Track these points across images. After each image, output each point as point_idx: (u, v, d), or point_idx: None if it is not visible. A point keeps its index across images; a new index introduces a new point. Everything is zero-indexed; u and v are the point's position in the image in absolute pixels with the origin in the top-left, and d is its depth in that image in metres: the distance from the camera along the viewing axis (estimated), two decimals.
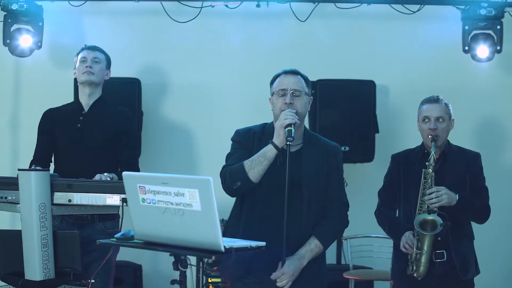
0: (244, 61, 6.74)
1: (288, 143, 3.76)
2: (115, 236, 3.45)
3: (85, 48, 4.96)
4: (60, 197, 3.98)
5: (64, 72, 6.51)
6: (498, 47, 5.97)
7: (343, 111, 6.48)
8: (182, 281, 3.31)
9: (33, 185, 3.87)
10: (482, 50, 6.03)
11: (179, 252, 3.18)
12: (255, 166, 3.83)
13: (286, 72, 4.05)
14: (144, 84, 6.59)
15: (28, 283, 3.88)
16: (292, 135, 3.75)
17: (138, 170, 4.93)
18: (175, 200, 3.08)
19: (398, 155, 4.83)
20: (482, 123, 6.85)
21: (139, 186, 3.19)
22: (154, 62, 6.87)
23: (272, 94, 4.02)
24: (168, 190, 3.09)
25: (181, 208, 3.08)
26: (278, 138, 3.80)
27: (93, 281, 4.07)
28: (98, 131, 4.83)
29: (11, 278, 4.01)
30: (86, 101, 4.90)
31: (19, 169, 3.94)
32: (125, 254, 6.45)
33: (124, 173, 3.29)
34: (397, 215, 4.79)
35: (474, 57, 6.09)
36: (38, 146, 4.96)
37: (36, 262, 3.85)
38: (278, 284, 3.82)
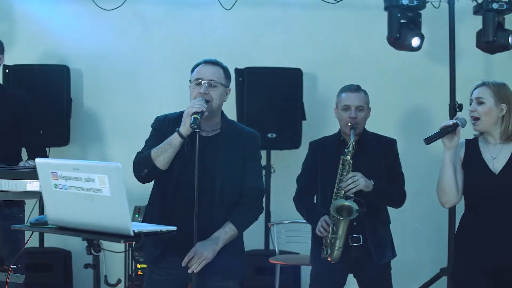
0: (172, 49, 6.78)
1: (197, 130, 3.83)
2: (30, 221, 3.50)
3: None
4: None
5: None
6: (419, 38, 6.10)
7: (270, 98, 6.55)
8: (95, 265, 3.35)
9: None
10: (411, 39, 6.11)
11: (89, 236, 3.25)
12: (161, 153, 3.93)
13: (206, 62, 4.12)
14: (73, 70, 6.59)
15: None
16: (197, 122, 3.81)
17: (44, 153, 4.95)
18: (86, 185, 3.16)
19: (315, 142, 4.93)
20: (408, 112, 6.98)
21: (52, 172, 3.25)
22: (83, 49, 6.85)
23: (190, 82, 4.09)
24: (79, 176, 3.17)
25: (92, 194, 3.15)
26: (184, 125, 3.89)
27: (15, 266, 4.09)
28: None
29: None
30: None
31: None
32: (54, 241, 6.49)
33: (37, 159, 3.35)
34: (315, 201, 4.89)
35: (403, 46, 6.16)
36: None
37: None
38: (190, 266, 3.89)
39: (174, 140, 3.91)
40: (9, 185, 3.99)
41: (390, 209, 4.87)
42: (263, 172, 6.49)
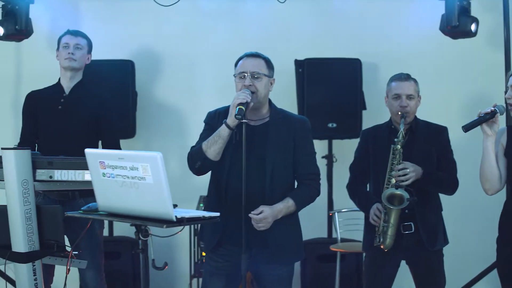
0: (230, 43, 6.84)
1: (243, 121, 3.97)
2: (81, 208, 3.67)
3: (68, 32, 5.15)
4: (42, 174, 4.19)
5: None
6: (476, 24, 6.06)
7: (330, 89, 6.60)
8: (144, 249, 3.51)
9: (15, 163, 4.09)
10: (470, 25, 6.09)
11: (135, 222, 3.40)
12: (211, 145, 4.10)
13: (248, 55, 4.28)
14: (137, 65, 6.76)
15: (15, 255, 4.10)
16: (242, 113, 3.96)
17: (119, 148, 5.14)
18: (131, 174, 3.32)
19: (367, 131, 5.00)
20: (469, 100, 6.92)
21: (100, 162, 3.42)
22: (147, 44, 7.03)
23: (235, 76, 4.22)
24: (124, 165, 3.33)
25: (136, 182, 3.31)
26: (230, 117, 4.06)
27: (76, 252, 4.28)
28: (78, 113, 5.05)
29: (0, 250, 4.19)
30: (67, 84, 5.13)
31: (2, 148, 4.17)
32: (122, 230, 6.69)
33: (86, 150, 3.52)
34: (367, 189, 4.95)
35: (461, 33, 6.14)
36: (23, 129, 5.21)
37: (21, 235, 4.07)
38: (257, 224, 4.05)
39: (222, 131, 4.08)
40: (68, 175, 4.18)
41: (444, 197, 4.88)
42: (326, 161, 6.60)
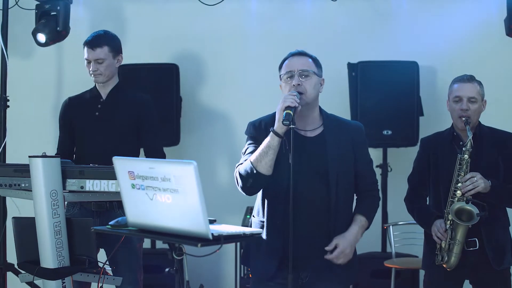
0: (281, 44, 6.50)
1: (291, 126, 3.58)
2: (109, 223, 3.38)
3: (86, 44, 4.79)
4: (73, 184, 3.98)
5: None
6: None
7: (385, 93, 6.25)
8: (177, 269, 3.18)
9: (43, 172, 3.86)
10: None
11: (168, 240, 3.08)
12: (262, 159, 3.67)
13: (293, 55, 3.91)
14: (182, 69, 6.50)
15: (44, 271, 3.88)
16: (290, 118, 3.56)
17: (161, 155, 4.88)
18: (162, 185, 2.99)
19: (427, 139, 4.63)
20: None
21: (129, 172, 3.10)
22: (191, 47, 6.79)
23: (281, 79, 3.86)
24: (155, 176, 3.00)
25: (168, 194, 2.97)
26: (278, 123, 3.64)
27: (110, 268, 4.04)
28: (116, 119, 4.77)
29: (28, 265, 4.03)
30: (103, 89, 4.86)
31: (29, 156, 3.93)
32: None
33: (114, 158, 3.21)
34: (427, 202, 4.58)
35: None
36: (60, 138, 4.95)
37: (49, 250, 3.86)
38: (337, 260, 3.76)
39: (271, 141, 3.65)
40: (101, 185, 3.93)
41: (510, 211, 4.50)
42: (380, 171, 6.27)
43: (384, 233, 6.34)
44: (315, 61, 3.91)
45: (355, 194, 3.97)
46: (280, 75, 3.89)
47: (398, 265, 5.81)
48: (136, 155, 4.80)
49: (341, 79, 6.40)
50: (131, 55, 6.42)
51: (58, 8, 6.03)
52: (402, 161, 6.36)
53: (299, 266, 3.70)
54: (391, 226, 6.14)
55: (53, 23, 6.04)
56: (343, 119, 4.04)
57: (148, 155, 4.85)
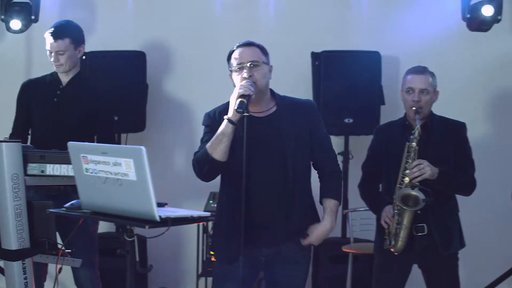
0: (244, 35, 6.57)
1: (245, 114, 3.70)
2: (64, 206, 3.48)
3: (48, 35, 4.88)
4: (33, 168, 4.06)
5: None
6: (499, 17, 5.78)
7: (347, 82, 6.33)
8: (129, 250, 3.29)
9: (5, 156, 3.93)
10: (481, 20, 5.84)
11: (118, 222, 3.20)
12: (216, 145, 3.79)
13: (240, 45, 4.00)
14: (149, 57, 6.55)
15: (5, 252, 3.95)
16: (243, 106, 3.68)
17: (114, 142, 4.99)
18: (114, 170, 3.11)
19: (381, 128, 4.79)
20: (495, 96, 6.66)
21: (82, 156, 3.22)
22: (159, 36, 6.83)
23: (231, 70, 3.97)
24: (107, 160, 3.12)
25: (119, 178, 3.11)
26: (232, 110, 3.76)
27: (69, 250, 4.12)
28: (74, 107, 4.87)
29: None
30: (64, 77, 4.95)
31: None
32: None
33: (69, 143, 3.32)
34: (380, 189, 4.71)
35: (471, 26, 5.90)
36: (16, 120, 5.04)
37: (10, 232, 3.92)
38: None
39: (226, 128, 3.77)
40: (61, 169, 4.02)
41: (463, 197, 4.62)
42: (342, 158, 6.37)
43: (344, 219, 6.43)
44: (263, 50, 4.01)
45: (316, 170, 4.09)
46: (230, 68, 3.99)
47: (356, 250, 5.93)
48: (92, 141, 4.87)
49: (304, 68, 6.48)
50: (100, 43, 6.56)
51: None
52: (363, 148, 6.39)
53: (261, 245, 3.87)
54: (350, 212, 6.25)
55: (27, 11, 6.11)
56: (295, 98, 4.14)
57: (99, 141, 4.94)
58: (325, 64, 6.38)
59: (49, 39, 4.85)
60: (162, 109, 6.83)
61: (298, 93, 6.20)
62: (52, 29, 4.87)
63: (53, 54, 4.85)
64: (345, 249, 5.98)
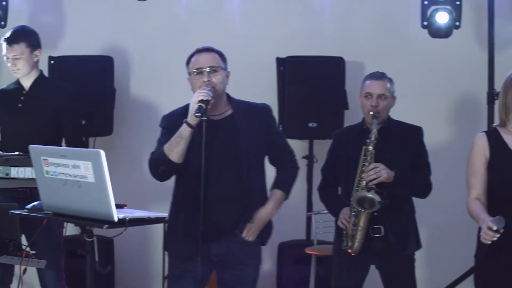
0: (213, 39, 6.59)
1: (203, 118, 3.81)
2: (26, 207, 3.56)
3: (4, 40, 4.98)
4: None
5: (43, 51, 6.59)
6: (457, 23, 5.90)
7: (312, 87, 6.45)
8: (88, 250, 3.39)
9: None
10: (437, 27, 5.97)
11: (77, 222, 3.29)
12: (174, 147, 3.93)
13: (200, 51, 4.14)
14: (117, 62, 6.63)
15: None
16: (202, 111, 3.81)
17: (81, 144, 5.05)
18: (73, 172, 3.21)
19: (339, 132, 4.89)
20: (456, 101, 6.81)
21: (43, 159, 3.30)
22: (126, 40, 6.92)
23: (190, 74, 4.09)
24: (66, 163, 3.22)
25: (78, 180, 3.20)
26: (191, 115, 3.89)
27: (34, 252, 4.18)
28: (38, 110, 4.95)
29: None
30: (25, 82, 5.05)
31: None
32: (98, 230, 6.58)
33: (30, 146, 3.40)
34: (339, 192, 4.82)
35: (431, 33, 6.02)
36: None
37: None
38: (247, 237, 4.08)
39: (184, 131, 3.91)
40: (25, 172, 4.10)
41: (421, 200, 4.74)
42: (306, 162, 6.48)
43: (308, 221, 6.53)
44: (221, 56, 4.16)
45: (274, 166, 4.26)
46: (189, 71, 4.10)
47: (318, 252, 6.02)
48: (59, 145, 4.95)
49: (269, 73, 6.58)
50: (68, 48, 6.64)
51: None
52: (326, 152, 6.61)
53: (214, 244, 3.99)
54: (313, 215, 6.35)
55: None
56: (250, 102, 4.29)
57: (67, 143, 5.03)
58: (290, 69, 6.49)
59: (4, 45, 4.95)
60: (129, 113, 6.92)
61: (263, 98, 6.29)
62: (7, 35, 4.96)
63: (10, 59, 4.92)
64: (308, 251, 6.07)
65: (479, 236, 3.78)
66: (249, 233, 4.07)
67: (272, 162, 4.27)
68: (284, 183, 4.23)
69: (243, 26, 6.90)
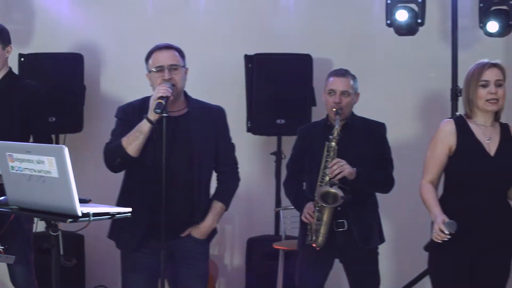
0: (181, 37, 6.55)
1: (164, 115, 3.90)
2: None
3: None
4: None
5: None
6: (419, 20, 5.99)
7: (280, 84, 6.51)
8: (53, 244, 3.45)
9: None
10: (398, 25, 6.06)
11: (42, 217, 3.35)
12: (132, 141, 4.03)
13: (160, 48, 4.22)
14: (87, 59, 6.66)
15: None
16: (161, 107, 3.90)
17: (49, 140, 5.07)
18: (37, 167, 3.26)
19: (304, 128, 4.96)
20: (420, 97, 6.90)
21: (8, 154, 3.35)
22: (96, 38, 6.95)
23: (150, 71, 4.15)
24: (31, 158, 3.27)
25: (42, 175, 3.25)
26: (151, 111, 3.98)
27: (3, 247, 4.21)
28: (6, 106, 4.94)
29: None
30: None
31: None
32: (67, 226, 6.61)
33: None
34: (304, 187, 4.90)
35: (396, 31, 6.11)
36: None
37: None
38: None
39: (144, 126, 4.01)
40: None
41: (385, 195, 4.84)
42: (274, 158, 6.55)
43: (277, 216, 6.60)
44: (181, 53, 4.25)
45: (216, 173, 4.37)
46: (149, 68, 4.18)
47: (286, 247, 6.07)
48: (27, 141, 4.96)
49: (238, 71, 6.63)
50: (38, 45, 6.66)
51: None
52: None
53: (165, 238, 4.05)
54: (281, 210, 6.42)
55: None
56: (206, 103, 4.39)
57: (35, 139, 5.03)
58: (258, 67, 6.55)
59: None
60: (99, 110, 6.93)
61: (231, 95, 6.45)
62: None
63: None
64: (276, 246, 6.13)
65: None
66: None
67: (215, 165, 4.36)
68: (225, 195, 4.36)
69: (211, 24, 6.94)
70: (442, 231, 3.83)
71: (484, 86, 4.07)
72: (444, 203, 4.12)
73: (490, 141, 4.10)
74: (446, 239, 3.85)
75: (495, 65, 4.11)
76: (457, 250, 4.02)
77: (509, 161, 4.06)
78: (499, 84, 4.07)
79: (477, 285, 4.07)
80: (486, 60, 4.14)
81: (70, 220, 3.20)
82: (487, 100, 4.07)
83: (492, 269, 4.08)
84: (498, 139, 4.12)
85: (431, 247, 4.03)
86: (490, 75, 4.08)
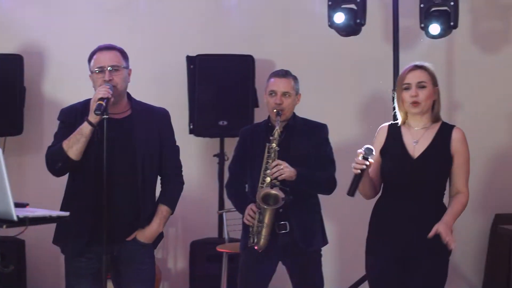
0: (130, 37, 6.60)
1: (104, 116, 3.85)
2: None
3: None
4: None
5: None
6: (358, 20, 6.01)
7: (222, 85, 6.52)
8: None
9: None
10: (336, 26, 6.10)
11: None
12: (73, 144, 3.95)
13: (102, 49, 4.15)
14: (27, 60, 6.58)
15: None
16: (101, 109, 3.84)
17: None
18: None
19: (245, 129, 4.93)
20: (363, 97, 6.95)
21: None
22: (36, 38, 6.88)
23: (92, 72, 4.10)
24: None
25: None
26: (91, 113, 3.91)
27: None
28: None
29: None
30: None
31: None
32: (8, 230, 6.50)
33: None
34: (246, 189, 4.87)
35: (338, 32, 6.14)
36: None
37: None
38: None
39: (84, 129, 3.94)
40: None
41: (329, 196, 4.81)
42: (217, 160, 6.52)
43: (220, 219, 6.58)
44: (123, 54, 4.18)
45: (160, 176, 4.32)
46: (90, 69, 4.11)
47: (230, 250, 6.05)
48: None
49: (180, 72, 6.62)
50: None
51: None
52: None
53: (111, 241, 4.00)
54: (224, 213, 6.40)
55: None
56: (150, 105, 4.34)
57: None
58: (200, 68, 6.54)
59: None
60: (41, 112, 6.86)
61: (173, 96, 6.41)
62: None
63: None
64: (219, 248, 6.10)
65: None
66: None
67: (160, 168, 4.30)
68: (171, 199, 4.30)
69: (152, 24, 6.92)
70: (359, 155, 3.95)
71: (407, 89, 4.15)
72: (377, 202, 4.29)
73: (416, 144, 4.16)
74: (364, 167, 3.94)
75: (418, 67, 4.17)
76: (384, 249, 4.16)
77: (431, 164, 4.12)
78: (421, 86, 4.12)
79: (410, 282, 4.11)
80: (413, 63, 4.20)
81: (6, 225, 3.11)
82: (410, 103, 4.11)
83: (422, 267, 4.10)
84: (429, 141, 4.15)
85: (352, 190, 4.06)
86: (412, 78, 4.14)
